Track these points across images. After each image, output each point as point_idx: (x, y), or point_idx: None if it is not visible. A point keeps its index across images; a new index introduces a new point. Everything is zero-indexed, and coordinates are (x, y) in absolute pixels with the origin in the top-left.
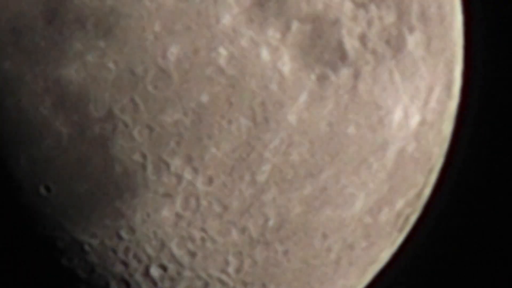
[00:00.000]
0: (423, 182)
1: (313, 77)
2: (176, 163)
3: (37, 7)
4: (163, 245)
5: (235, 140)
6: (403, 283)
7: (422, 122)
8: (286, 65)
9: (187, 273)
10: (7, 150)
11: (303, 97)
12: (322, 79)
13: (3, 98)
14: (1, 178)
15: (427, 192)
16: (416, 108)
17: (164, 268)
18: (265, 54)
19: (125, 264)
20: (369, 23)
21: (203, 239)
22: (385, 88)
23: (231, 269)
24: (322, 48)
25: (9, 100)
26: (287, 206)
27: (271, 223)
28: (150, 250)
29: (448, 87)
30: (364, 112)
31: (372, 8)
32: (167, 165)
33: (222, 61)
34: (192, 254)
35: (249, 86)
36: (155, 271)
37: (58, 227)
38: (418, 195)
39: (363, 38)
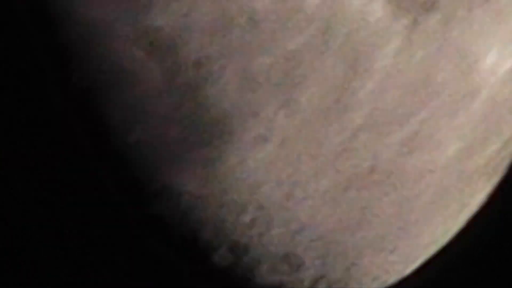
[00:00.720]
0: None
1: (404, 22)
2: (268, 108)
3: None
4: (256, 189)
5: (326, 85)
6: (497, 226)
7: None
8: (378, 10)
9: (280, 217)
10: (99, 97)
11: (394, 43)
12: (413, 24)
13: (94, 46)
14: (93, 124)
15: None
16: (509, 53)
17: (257, 212)
18: None
19: (218, 210)
20: None
21: (296, 183)
22: (477, 33)
23: (325, 212)
24: None
25: (100, 48)
26: (380, 150)
27: (364, 167)
28: (243, 195)
29: None
30: (455, 57)
31: None
32: (261, 108)
33: (311, 7)
34: (286, 197)
35: (340, 32)
36: (248, 216)
37: (149, 173)
38: (511, 139)
39: None
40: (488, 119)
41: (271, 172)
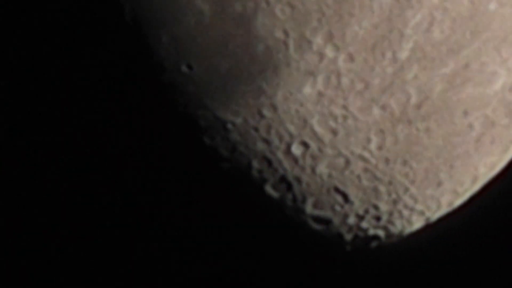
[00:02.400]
0: None
1: None
2: (318, 40)
3: None
4: (304, 122)
5: (376, 17)
6: None
7: None
8: None
9: (328, 151)
10: (150, 29)
11: None
12: None
13: None
14: (144, 57)
15: None
16: None
17: (306, 145)
18: None
19: (267, 142)
20: None
21: (344, 117)
22: None
23: (372, 147)
24: None
25: None
26: (428, 83)
27: (412, 100)
28: (291, 128)
29: None
30: None
31: None
32: (309, 43)
33: None
34: (334, 132)
35: None
36: (296, 149)
37: (200, 105)
38: None
39: None
40: None
41: (318, 107)
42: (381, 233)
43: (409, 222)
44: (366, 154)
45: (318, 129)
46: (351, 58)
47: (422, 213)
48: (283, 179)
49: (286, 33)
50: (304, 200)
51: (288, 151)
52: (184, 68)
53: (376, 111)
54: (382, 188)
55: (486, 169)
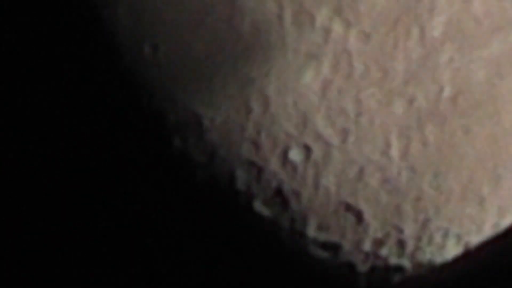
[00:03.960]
0: None
1: None
2: (322, 13)
3: None
4: (306, 120)
5: None
6: None
7: None
8: None
9: (337, 157)
10: (104, 1)
11: None
12: None
13: None
14: (98, 35)
15: None
16: None
17: (307, 150)
18: None
19: (256, 145)
20: None
21: (357, 114)
22: None
23: (394, 152)
24: None
25: None
26: (467, 69)
27: (446, 92)
28: (289, 127)
29: None
30: None
31: None
32: (311, 17)
33: None
34: (344, 133)
35: None
36: (295, 155)
37: (168, 96)
38: None
39: None
40: None
41: (324, 100)
42: (406, 262)
43: (443, 248)
44: (385, 162)
45: (324, 129)
46: (366, 36)
47: (459, 237)
48: (278, 193)
49: (280, 4)
50: (305, 221)
51: (284, 158)
52: (147, 49)
53: (398, 106)
54: (406, 206)
55: None
